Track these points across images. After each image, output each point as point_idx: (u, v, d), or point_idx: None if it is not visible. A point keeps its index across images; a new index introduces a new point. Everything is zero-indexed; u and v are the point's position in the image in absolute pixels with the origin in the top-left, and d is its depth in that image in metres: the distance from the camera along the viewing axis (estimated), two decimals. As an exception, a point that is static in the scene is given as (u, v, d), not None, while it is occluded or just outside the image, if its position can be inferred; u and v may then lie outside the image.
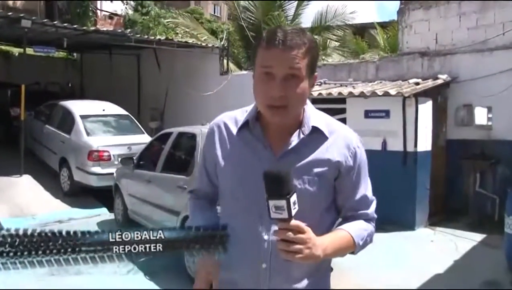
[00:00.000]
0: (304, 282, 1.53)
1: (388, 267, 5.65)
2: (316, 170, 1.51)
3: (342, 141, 1.54)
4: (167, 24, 18.30)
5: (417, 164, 7.27)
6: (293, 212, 1.30)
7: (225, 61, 12.20)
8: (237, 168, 1.55)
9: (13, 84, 12.38)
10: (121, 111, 10.45)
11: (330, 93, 7.65)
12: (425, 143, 7.42)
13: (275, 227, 1.38)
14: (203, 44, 12.62)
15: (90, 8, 19.42)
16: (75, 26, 10.48)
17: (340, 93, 7.58)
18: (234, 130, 1.59)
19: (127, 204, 7.31)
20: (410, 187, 7.26)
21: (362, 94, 7.33)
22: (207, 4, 31.71)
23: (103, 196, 8.95)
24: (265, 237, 1.49)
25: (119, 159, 8.09)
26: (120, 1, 20.14)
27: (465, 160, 7.80)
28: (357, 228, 1.55)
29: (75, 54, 17.60)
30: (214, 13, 32.67)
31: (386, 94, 7.06)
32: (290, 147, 1.51)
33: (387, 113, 7.39)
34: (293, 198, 1.30)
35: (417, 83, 7.56)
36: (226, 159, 1.58)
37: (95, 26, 17.57)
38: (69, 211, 8.66)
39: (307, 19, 34.27)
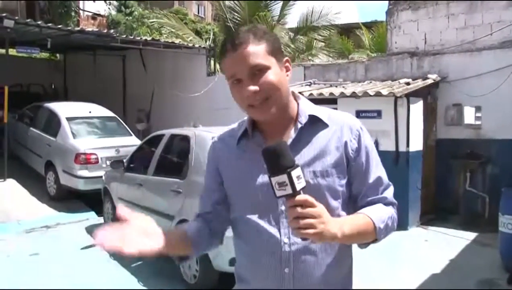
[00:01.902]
0: (329, 284, 1.49)
1: (385, 268, 5.65)
2: (326, 160, 1.47)
3: (344, 125, 1.51)
4: (151, 25, 18.12)
5: (409, 163, 7.30)
6: (298, 186, 1.24)
7: (211, 62, 12.10)
8: (243, 179, 1.51)
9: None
10: (107, 113, 10.29)
11: (321, 94, 7.61)
12: (416, 143, 7.45)
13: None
14: (190, 44, 12.50)
15: (73, 8, 19.09)
16: (59, 26, 10.27)
17: (331, 93, 7.55)
18: (232, 143, 1.57)
19: (115, 204, 7.17)
20: (402, 187, 7.25)
21: (353, 95, 7.31)
22: (190, 5, 31.51)
23: (91, 199, 8.79)
24: (285, 240, 1.45)
25: (108, 162, 7.95)
26: (103, 1, 19.85)
27: (455, 159, 7.85)
28: (376, 211, 1.47)
29: (58, 55, 17.30)
30: (198, 13, 32.49)
31: (378, 94, 7.06)
32: (291, 140, 1.47)
33: (378, 114, 7.40)
34: (296, 172, 1.25)
35: (408, 83, 7.58)
36: (231, 173, 1.55)
37: (79, 27, 17.32)
38: (56, 215, 8.46)
39: (293, 20, 34.50)
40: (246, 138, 1.54)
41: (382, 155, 6.44)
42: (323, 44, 16.09)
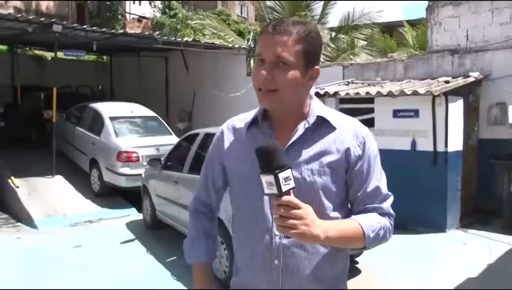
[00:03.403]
0: (319, 281, 1.51)
1: (420, 270, 5.54)
2: (325, 160, 1.49)
3: (350, 131, 1.53)
4: (194, 26, 18.44)
5: (448, 164, 7.10)
6: (285, 188, 1.29)
7: (251, 61, 12.20)
8: (245, 164, 1.53)
9: (46, 88, 12.67)
10: (149, 112, 10.58)
11: (357, 93, 7.54)
12: (456, 143, 7.24)
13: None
14: (230, 45, 12.66)
15: (119, 12, 19.74)
16: (103, 29, 10.64)
17: (368, 92, 7.46)
18: (241, 129, 1.61)
19: (155, 204, 7.39)
20: (440, 188, 7.09)
21: (390, 94, 7.20)
22: (233, 5, 31.82)
23: (132, 196, 9.08)
24: (277, 232, 1.46)
25: (147, 160, 8.20)
26: (148, 4, 20.40)
27: (498, 160, 7.57)
28: (368, 219, 1.49)
29: (104, 57, 17.93)
30: (241, 14, 32.78)
31: (415, 93, 6.91)
32: (295, 138, 1.50)
33: (416, 113, 7.25)
34: (285, 173, 1.29)
35: (447, 82, 7.38)
36: (235, 158, 1.59)
37: (124, 29, 17.88)
38: (99, 211, 8.81)
39: (334, 19, 34.10)
40: (255, 126, 1.58)
41: (420, 155, 6.35)
42: (365, 43, 15.87)
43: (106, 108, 10.30)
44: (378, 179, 1.55)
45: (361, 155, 1.51)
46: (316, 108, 1.55)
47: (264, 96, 1.46)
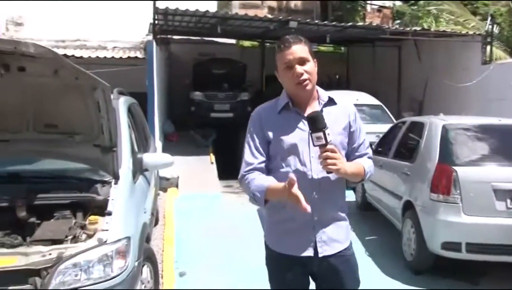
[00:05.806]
0: (338, 207, 2.36)
1: None
2: (339, 124, 2.32)
3: (346, 106, 2.40)
4: (434, 13, 17.74)
5: None
6: (329, 139, 2.06)
7: (487, 49, 11.32)
8: (286, 132, 2.28)
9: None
10: (374, 101, 10.91)
11: None
12: None
13: (318, 164, 2.17)
14: (464, 32, 12.00)
15: (359, 3, 20.42)
16: (333, 23, 11.48)
17: None
18: (272, 114, 2.33)
19: (365, 187, 7.85)
20: None
21: None
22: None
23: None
24: (314, 175, 2.25)
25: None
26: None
27: None
28: (366, 162, 2.39)
29: (342, 48, 18.89)
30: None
31: None
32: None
33: None
34: (327, 131, 2.06)
35: None
36: (277, 130, 2.29)
37: (364, 20, 18.50)
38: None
39: None
40: (286, 109, 2.31)
41: None
42: None
43: (332, 96, 11.04)
44: (364, 135, 2.43)
45: (354, 119, 2.38)
46: (323, 92, 2.36)
47: (303, 87, 2.22)
